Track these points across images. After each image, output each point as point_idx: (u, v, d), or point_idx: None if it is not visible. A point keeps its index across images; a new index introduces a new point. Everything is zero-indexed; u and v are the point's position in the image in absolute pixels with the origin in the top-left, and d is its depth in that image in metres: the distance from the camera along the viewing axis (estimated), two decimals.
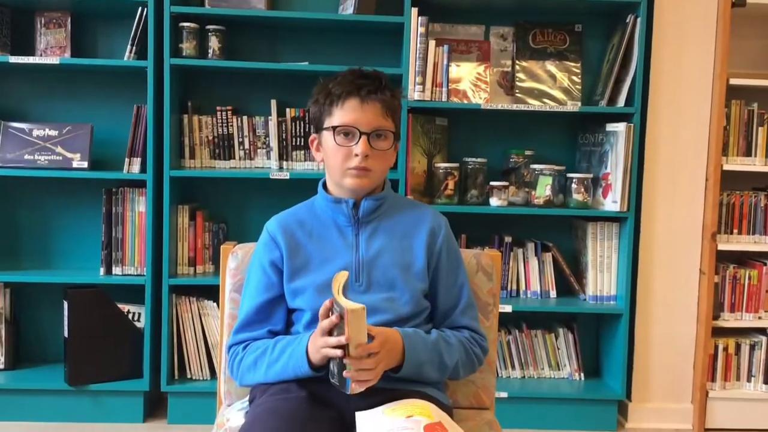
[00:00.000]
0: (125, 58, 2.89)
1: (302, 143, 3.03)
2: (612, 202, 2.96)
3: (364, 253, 1.63)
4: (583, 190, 2.98)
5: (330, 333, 1.46)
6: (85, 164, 2.91)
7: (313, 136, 1.70)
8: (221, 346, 1.85)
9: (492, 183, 2.99)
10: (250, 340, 1.65)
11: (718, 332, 3.10)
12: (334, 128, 1.60)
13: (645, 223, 3.05)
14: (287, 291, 1.64)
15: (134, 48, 2.89)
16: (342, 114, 1.59)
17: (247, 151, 3.04)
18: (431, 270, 1.67)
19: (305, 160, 3.04)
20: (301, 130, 3.03)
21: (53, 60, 2.86)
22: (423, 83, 2.91)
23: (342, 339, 1.41)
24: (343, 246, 1.65)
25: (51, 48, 2.98)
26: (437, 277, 1.68)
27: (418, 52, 2.89)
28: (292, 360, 1.55)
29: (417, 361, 1.55)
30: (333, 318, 1.44)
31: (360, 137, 1.58)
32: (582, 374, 3.14)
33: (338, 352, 1.43)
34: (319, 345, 1.47)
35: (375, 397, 1.52)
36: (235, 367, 1.65)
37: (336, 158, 1.61)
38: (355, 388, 1.45)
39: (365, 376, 1.45)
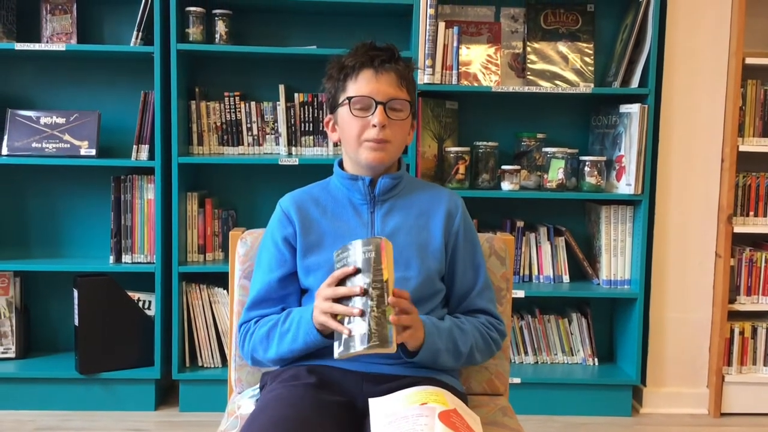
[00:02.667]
0: (132, 44, 2.86)
1: (311, 128, 3.00)
2: (626, 185, 2.92)
3: (379, 232, 1.61)
4: (596, 173, 2.94)
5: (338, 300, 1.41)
6: (93, 152, 2.90)
7: (328, 117, 1.68)
8: (232, 334, 1.83)
9: (503, 167, 2.95)
10: (263, 317, 1.63)
11: (734, 316, 3.06)
12: (349, 99, 1.58)
13: (659, 206, 3.01)
14: (300, 268, 1.61)
15: (140, 34, 2.86)
16: (357, 86, 1.58)
17: (256, 137, 3.01)
18: (449, 251, 1.65)
19: (314, 146, 3.01)
20: (310, 116, 3.00)
21: (59, 47, 2.84)
22: (433, 66, 2.87)
23: (355, 289, 1.36)
24: (358, 224, 1.62)
25: (57, 34, 2.95)
26: (455, 258, 1.65)
27: (427, 34, 2.85)
28: (302, 327, 1.51)
29: (434, 348, 1.52)
30: (344, 270, 1.39)
31: (376, 107, 1.56)
32: (596, 359, 3.11)
33: (355, 311, 1.34)
34: (324, 308, 1.41)
35: (389, 383, 1.50)
36: (247, 342, 1.62)
37: (352, 131, 1.58)
38: (398, 339, 1.37)
39: (407, 320, 1.41)
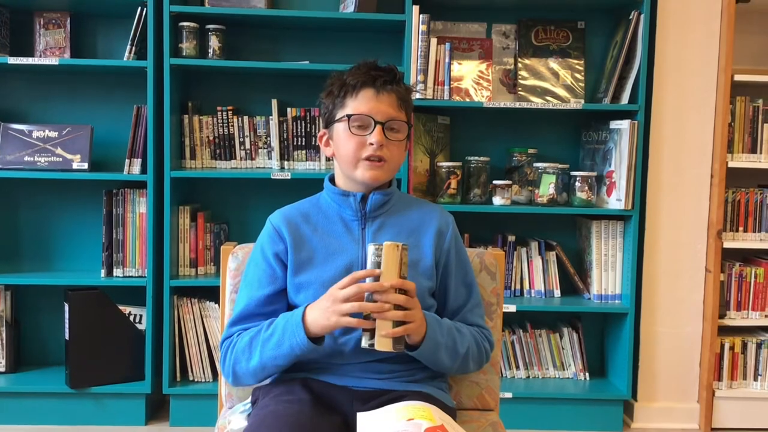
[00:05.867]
0: (125, 59, 2.87)
1: (304, 143, 3.01)
2: (616, 200, 2.93)
3: None
4: (587, 188, 2.96)
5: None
6: (86, 165, 2.90)
7: (322, 131, 1.69)
8: None
9: (495, 182, 2.97)
10: (245, 330, 1.60)
11: (725, 331, 3.07)
12: (348, 117, 1.58)
13: (650, 221, 3.03)
14: (291, 285, 1.61)
15: (134, 48, 2.87)
16: (357, 104, 1.58)
17: (248, 152, 3.02)
18: (440, 269, 1.65)
19: (307, 160, 3.02)
20: (303, 130, 3.01)
21: (52, 61, 2.84)
22: (425, 82, 2.89)
23: (385, 284, 1.42)
24: (349, 241, 1.62)
25: (50, 49, 2.96)
26: (447, 275, 1.66)
27: (419, 50, 2.87)
28: (288, 331, 1.49)
29: (435, 341, 1.52)
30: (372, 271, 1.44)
31: (375, 126, 1.57)
32: (587, 374, 3.12)
33: (385, 306, 1.41)
34: (346, 309, 1.43)
35: (378, 398, 1.50)
36: (228, 356, 1.59)
37: (349, 148, 1.59)
38: (394, 333, 1.42)
39: (405, 316, 1.43)
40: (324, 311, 1.46)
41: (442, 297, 1.67)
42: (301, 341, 1.48)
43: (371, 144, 1.56)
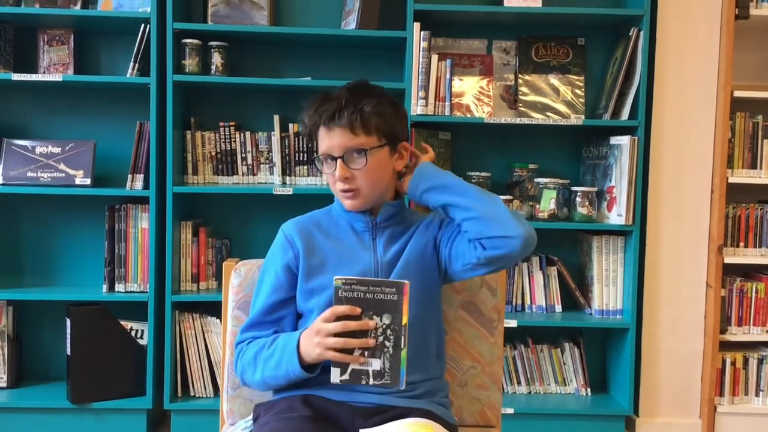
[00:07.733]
0: (128, 75, 2.89)
1: (305, 159, 3.03)
2: (617, 216, 2.94)
3: (381, 258, 1.64)
4: (587, 203, 2.97)
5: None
6: (88, 181, 2.91)
7: None
8: (224, 364, 1.83)
9: None
10: (255, 339, 1.65)
11: (726, 346, 3.07)
12: (316, 158, 1.66)
13: (650, 236, 3.03)
14: (302, 291, 1.63)
15: (137, 65, 2.89)
16: (319, 145, 1.64)
17: (250, 167, 3.04)
18: (440, 237, 1.67)
19: (308, 176, 3.03)
20: (304, 146, 3.02)
21: (56, 77, 2.86)
22: (426, 97, 2.91)
23: (371, 324, 1.42)
24: (360, 249, 1.65)
25: (54, 65, 2.98)
26: (446, 229, 1.67)
27: (420, 66, 2.89)
28: (285, 356, 1.54)
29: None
30: (352, 309, 1.44)
31: (336, 162, 1.60)
32: (588, 389, 3.11)
33: (371, 341, 1.42)
34: (330, 343, 1.44)
35: (380, 415, 1.51)
36: (239, 363, 1.65)
37: (330, 184, 1.66)
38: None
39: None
40: (311, 344, 1.48)
41: (451, 247, 1.65)
42: (295, 368, 1.52)
43: (339, 180, 1.60)
